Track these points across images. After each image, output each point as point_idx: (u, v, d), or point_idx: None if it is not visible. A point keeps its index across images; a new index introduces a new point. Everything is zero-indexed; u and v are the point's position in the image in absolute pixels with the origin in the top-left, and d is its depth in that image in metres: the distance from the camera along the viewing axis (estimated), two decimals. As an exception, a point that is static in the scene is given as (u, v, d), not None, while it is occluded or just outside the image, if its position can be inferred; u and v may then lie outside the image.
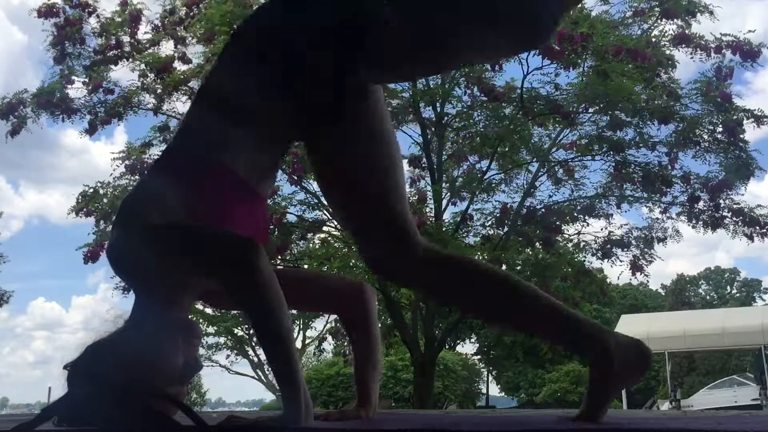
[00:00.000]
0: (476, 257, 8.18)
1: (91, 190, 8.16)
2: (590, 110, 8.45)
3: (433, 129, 8.96)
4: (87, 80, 8.01)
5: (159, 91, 8.09)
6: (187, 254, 1.26)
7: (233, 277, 1.21)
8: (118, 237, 1.36)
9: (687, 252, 58.33)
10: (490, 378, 29.74)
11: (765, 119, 7.78)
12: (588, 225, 8.96)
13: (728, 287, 39.55)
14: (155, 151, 8.32)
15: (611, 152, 8.35)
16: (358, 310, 1.59)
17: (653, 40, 7.88)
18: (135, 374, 1.23)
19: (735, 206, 8.07)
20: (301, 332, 27.48)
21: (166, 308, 1.33)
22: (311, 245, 9.40)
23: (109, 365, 1.25)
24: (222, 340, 28.15)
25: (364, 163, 1.38)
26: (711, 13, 7.58)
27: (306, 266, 10.71)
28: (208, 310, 27.23)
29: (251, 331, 27.88)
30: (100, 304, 66.11)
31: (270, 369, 1.19)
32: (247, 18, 1.59)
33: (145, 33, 8.38)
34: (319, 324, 20.50)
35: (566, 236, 9.15)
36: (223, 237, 1.24)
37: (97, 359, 1.28)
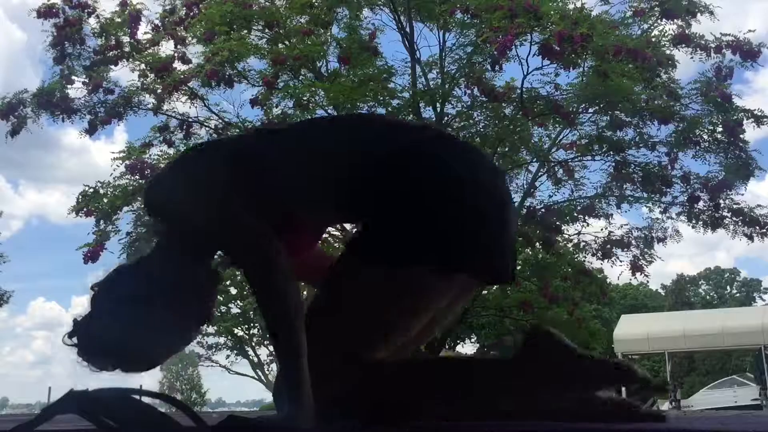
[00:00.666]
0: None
1: (91, 190, 8.14)
2: (590, 110, 8.45)
3: (433, 129, 8.98)
4: (87, 80, 8.01)
5: (159, 91, 8.08)
6: (219, 225, 1.29)
7: (251, 263, 1.26)
8: (174, 178, 1.40)
9: (687, 252, 58.47)
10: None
11: (765, 119, 7.78)
12: (588, 225, 8.96)
13: (728, 287, 39.58)
14: (155, 151, 8.32)
15: (611, 152, 8.34)
16: None
17: (653, 40, 7.87)
18: (153, 304, 1.28)
19: (735, 206, 8.07)
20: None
21: (192, 258, 1.37)
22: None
23: (130, 290, 1.30)
24: (222, 340, 28.14)
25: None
26: (711, 13, 7.59)
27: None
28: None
29: (251, 332, 27.96)
30: (100, 304, 66.15)
31: (277, 365, 1.22)
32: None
33: (145, 33, 8.39)
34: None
35: (566, 236, 9.15)
36: (253, 225, 1.27)
37: (121, 283, 1.34)
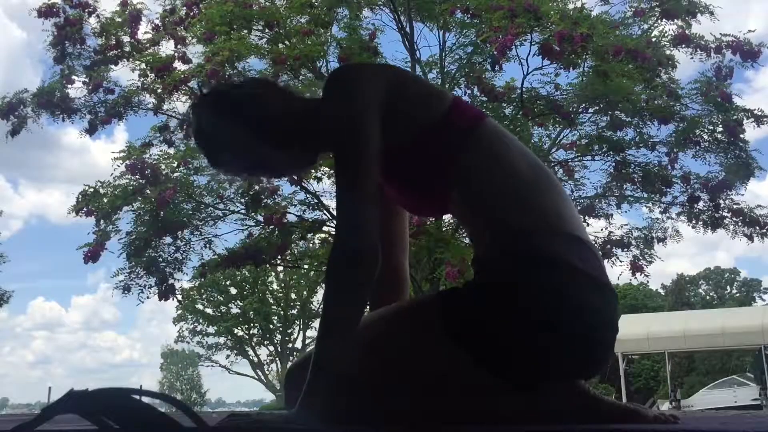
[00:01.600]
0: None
1: (91, 190, 8.14)
2: (590, 110, 8.45)
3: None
4: (87, 80, 8.02)
5: (159, 91, 8.09)
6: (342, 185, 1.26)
7: (336, 260, 1.21)
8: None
9: (687, 252, 58.42)
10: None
11: (765, 119, 7.78)
12: (588, 225, 8.95)
13: (728, 287, 39.57)
14: (155, 151, 8.33)
15: (611, 152, 8.34)
16: None
17: (653, 40, 7.87)
18: (268, 129, 1.39)
19: (735, 206, 8.07)
20: (302, 332, 27.52)
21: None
22: (311, 245, 9.40)
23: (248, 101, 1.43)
24: (222, 340, 28.19)
25: None
26: (711, 13, 7.59)
27: (306, 266, 10.73)
28: (208, 310, 27.23)
29: (251, 332, 27.97)
30: (100, 304, 66.28)
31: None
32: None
33: (145, 33, 8.40)
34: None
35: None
36: (364, 230, 1.20)
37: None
